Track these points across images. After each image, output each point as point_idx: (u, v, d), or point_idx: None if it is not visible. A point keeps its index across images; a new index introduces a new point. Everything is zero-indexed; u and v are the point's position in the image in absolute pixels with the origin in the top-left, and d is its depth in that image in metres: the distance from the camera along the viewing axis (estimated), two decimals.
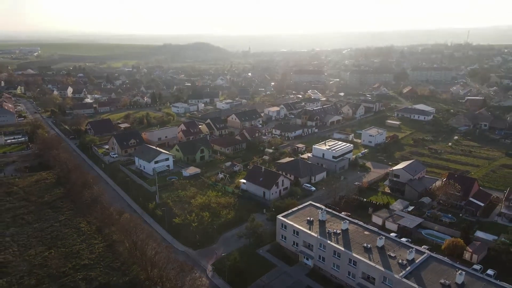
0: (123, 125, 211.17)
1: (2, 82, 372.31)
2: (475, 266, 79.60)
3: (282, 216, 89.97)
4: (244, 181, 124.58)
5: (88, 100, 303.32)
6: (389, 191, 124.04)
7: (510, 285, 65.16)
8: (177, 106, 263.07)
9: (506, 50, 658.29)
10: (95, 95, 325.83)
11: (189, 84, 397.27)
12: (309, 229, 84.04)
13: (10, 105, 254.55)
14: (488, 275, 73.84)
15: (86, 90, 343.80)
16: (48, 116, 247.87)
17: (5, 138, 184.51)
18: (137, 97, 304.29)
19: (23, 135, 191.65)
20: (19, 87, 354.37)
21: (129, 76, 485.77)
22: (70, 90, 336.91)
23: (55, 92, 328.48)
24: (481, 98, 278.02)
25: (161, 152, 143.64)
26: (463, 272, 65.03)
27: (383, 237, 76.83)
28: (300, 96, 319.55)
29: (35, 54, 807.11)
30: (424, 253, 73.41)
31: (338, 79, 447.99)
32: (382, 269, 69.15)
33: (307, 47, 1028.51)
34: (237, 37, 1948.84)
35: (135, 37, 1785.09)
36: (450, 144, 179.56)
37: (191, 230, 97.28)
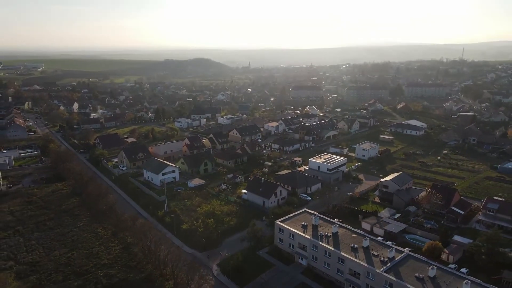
0: (129, 140, 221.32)
1: (10, 98, 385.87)
2: (451, 265, 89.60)
3: (279, 221, 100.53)
4: (245, 191, 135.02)
5: (95, 115, 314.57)
6: (378, 200, 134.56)
7: (476, 278, 75.58)
8: (180, 121, 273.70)
9: (500, 67, 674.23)
10: (101, 110, 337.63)
11: (191, 100, 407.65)
12: (304, 233, 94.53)
13: (20, 120, 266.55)
14: (461, 272, 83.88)
15: (91, 105, 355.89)
16: (57, 130, 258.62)
17: (19, 152, 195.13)
18: (141, 112, 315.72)
19: (35, 149, 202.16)
20: (26, 102, 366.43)
21: (132, 91, 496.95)
22: (76, 105, 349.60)
23: (62, 108, 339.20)
24: (471, 114, 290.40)
25: (168, 165, 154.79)
26: (435, 267, 75.51)
27: (368, 239, 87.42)
28: (298, 111, 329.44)
29: (39, 69, 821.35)
30: (403, 252, 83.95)
31: (335, 95, 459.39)
32: (366, 265, 79.47)
33: (305, 62, 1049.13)
34: (237, 51, 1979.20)
35: (137, 52, 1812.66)
36: (438, 157, 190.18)
37: (198, 235, 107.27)
